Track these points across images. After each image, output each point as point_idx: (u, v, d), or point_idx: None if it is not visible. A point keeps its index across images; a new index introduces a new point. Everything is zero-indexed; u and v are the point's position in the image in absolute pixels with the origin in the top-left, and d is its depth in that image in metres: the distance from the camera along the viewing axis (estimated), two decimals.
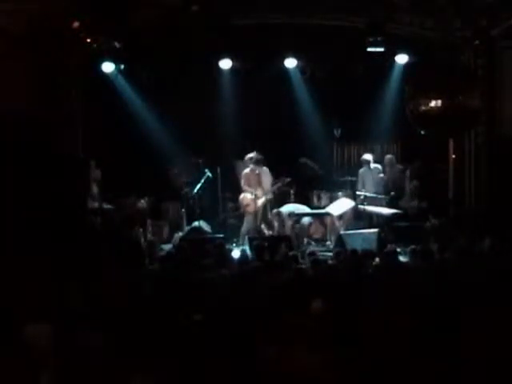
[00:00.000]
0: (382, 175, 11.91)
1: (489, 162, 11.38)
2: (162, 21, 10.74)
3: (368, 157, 12.01)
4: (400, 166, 12.16)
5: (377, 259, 7.87)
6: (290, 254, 8.68)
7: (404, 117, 10.13)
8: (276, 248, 8.98)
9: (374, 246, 9.91)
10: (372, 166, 11.93)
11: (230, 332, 4.65)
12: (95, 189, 11.22)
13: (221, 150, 12.14)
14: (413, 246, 8.33)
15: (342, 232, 10.92)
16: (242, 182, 11.62)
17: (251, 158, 11.49)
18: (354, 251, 8.12)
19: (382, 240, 10.32)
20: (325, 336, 4.49)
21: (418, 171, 11.97)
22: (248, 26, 11.01)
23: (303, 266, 7.74)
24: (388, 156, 12.30)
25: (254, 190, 11.49)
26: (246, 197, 11.57)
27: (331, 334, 4.55)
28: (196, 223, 11.39)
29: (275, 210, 11.47)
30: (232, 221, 11.95)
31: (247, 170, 11.62)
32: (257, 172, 11.56)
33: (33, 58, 9.99)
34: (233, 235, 11.51)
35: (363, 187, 11.75)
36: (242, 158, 11.76)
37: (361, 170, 12.00)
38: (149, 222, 11.59)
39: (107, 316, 5.06)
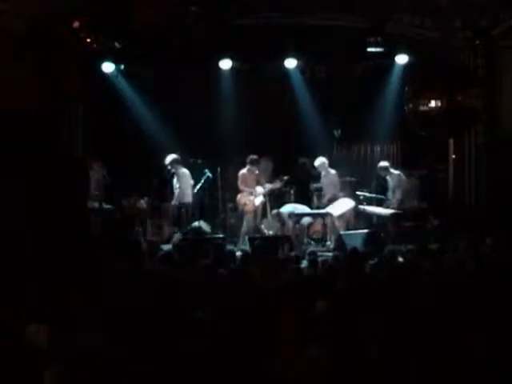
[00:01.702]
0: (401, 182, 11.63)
1: (489, 162, 11.38)
2: (162, 21, 10.74)
3: (385, 164, 11.68)
4: (333, 171, 11.76)
5: (376, 259, 7.86)
6: (291, 254, 8.68)
7: (404, 117, 10.13)
8: (276, 248, 8.98)
9: (373, 246, 9.89)
10: (393, 172, 11.61)
11: (230, 332, 4.65)
12: (100, 189, 11.29)
13: (221, 150, 12.14)
14: (413, 246, 8.32)
15: (341, 232, 10.92)
16: (240, 182, 11.62)
17: (174, 160, 11.38)
18: (355, 250, 8.10)
19: (381, 240, 10.32)
20: (325, 335, 4.50)
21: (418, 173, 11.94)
22: (248, 26, 11.02)
23: (303, 266, 7.74)
24: (321, 158, 11.85)
25: (253, 189, 11.50)
26: (243, 196, 11.59)
27: (331, 333, 4.55)
28: (196, 223, 11.39)
29: (275, 211, 11.47)
30: (232, 221, 11.95)
31: (244, 171, 11.63)
32: (256, 172, 11.57)
33: (33, 58, 9.99)
34: (233, 235, 11.52)
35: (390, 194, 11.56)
36: (242, 158, 11.78)
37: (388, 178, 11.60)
38: (149, 222, 11.59)
39: (107, 316, 5.06)
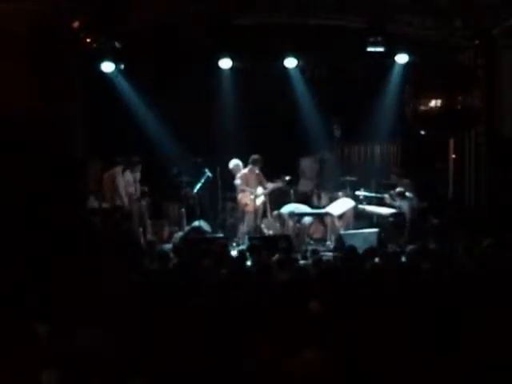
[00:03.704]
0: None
1: (489, 162, 11.37)
2: (162, 21, 10.74)
3: (401, 189, 11.40)
4: (247, 172, 11.59)
5: (376, 259, 7.86)
6: (291, 254, 8.68)
7: (404, 117, 10.13)
8: (276, 248, 8.97)
9: (374, 245, 9.90)
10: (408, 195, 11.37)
11: (230, 332, 4.65)
12: (137, 189, 11.39)
13: (221, 150, 12.14)
14: (412, 246, 8.33)
15: (342, 232, 10.92)
16: (241, 182, 11.62)
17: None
18: (353, 248, 8.08)
19: (382, 240, 10.32)
20: (324, 335, 4.50)
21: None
22: (248, 26, 11.01)
23: (304, 266, 7.75)
24: (234, 161, 11.70)
25: (254, 189, 11.50)
26: (244, 196, 11.60)
27: (331, 333, 4.55)
28: (196, 223, 11.39)
29: (276, 212, 11.48)
30: (232, 221, 11.95)
31: (245, 170, 11.63)
32: (256, 172, 11.57)
33: (33, 58, 9.99)
34: (233, 235, 11.52)
35: None
36: (242, 158, 11.78)
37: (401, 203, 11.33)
38: (149, 222, 11.60)
39: (107, 315, 5.06)
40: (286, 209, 11.43)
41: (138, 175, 11.52)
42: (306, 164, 12.57)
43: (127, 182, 11.43)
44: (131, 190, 11.43)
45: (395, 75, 11.91)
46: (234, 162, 11.63)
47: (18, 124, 9.80)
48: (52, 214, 9.77)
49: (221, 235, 11.04)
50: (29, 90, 9.98)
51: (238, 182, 11.55)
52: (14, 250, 8.64)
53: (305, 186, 12.38)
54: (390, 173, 12.10)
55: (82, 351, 4.28)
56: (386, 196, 11.48)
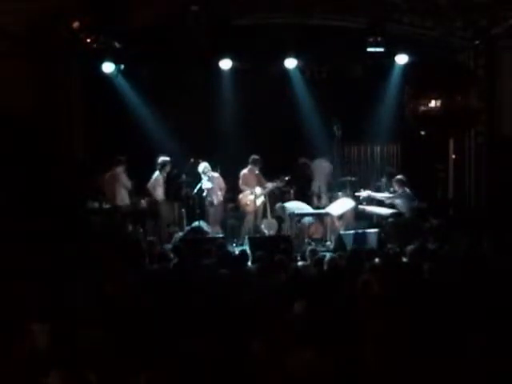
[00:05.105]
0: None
1: (489, 162, 11.38)
2: (162, 21, 10.74)
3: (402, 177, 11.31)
4: (216, 174, 11.64)
5: (376, 259, 7.86)
6: (291, 254, 8.68)
7: (404, 117, 10.12)
8: (276, 248, 8.97)
9: (374, 246, 9.91)
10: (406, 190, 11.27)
11: (231, 331, 4.66)
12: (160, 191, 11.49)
13: (221, 150, 12.14)
14: (412, 246, 8.33)
15: (341, 232, 10.91)
16: (240, 182, 11.64)
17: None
18: (355, 250, 8.11)
19: (381, 240, 10.32)
20: (322, 335, 4.50)
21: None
22: (248, 26, 11.01)
23: (304, 265, 7.75)
24: (203, 163, 11.66)
25: (253, 189, 11.51)
26: (244, 196, 11.60)
27: (329, 333, 4.55)
28: (196, 223, 11.39)
29: (279, 204, 11.49)
30: (232, 221, 11.95)
31: (245, 171, 11.64)
32: (256, 172, 11.58)
33: (33, 58, 10.00)
34: (233, 235, 11.52)
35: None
36: (242, 158, 11.78)
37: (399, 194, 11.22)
38: (149, 222, 11.60)
39: (107, 315, 5.06)
40: (290, 205, 11.43)
41: (165, 176, 11.68)
42: (320, 165, 12.52)
43: (157, 182, 11.54)
44: (160, 190, 11.57)
45: (395, 75, 11.92)
46: (203, 165, 11.63)
47: (18, 124, 9.80)
48: (52, 215, 9.77)
49: (221, 235, 11.04)
50: (29, 90, 9.98)
51: (208, 185, 11.61)
52: (13, 250, 8.65)
53: (317, 187, 12.37)
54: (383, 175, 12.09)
55: (81, 351, 4.28)
56: (387, 194, 11.47)
